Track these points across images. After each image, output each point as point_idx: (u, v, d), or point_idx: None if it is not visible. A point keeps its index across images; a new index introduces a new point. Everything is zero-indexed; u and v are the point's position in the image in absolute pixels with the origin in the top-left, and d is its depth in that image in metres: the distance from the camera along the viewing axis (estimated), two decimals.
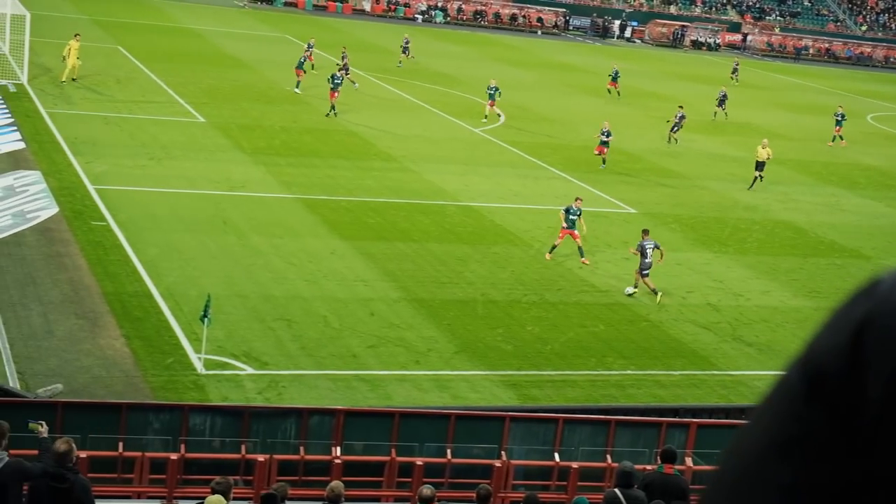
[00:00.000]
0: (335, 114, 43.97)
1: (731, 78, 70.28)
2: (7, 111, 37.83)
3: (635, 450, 18.06)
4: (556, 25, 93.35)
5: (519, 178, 38.64)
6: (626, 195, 38.03)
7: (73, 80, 43.35)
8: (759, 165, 41.03)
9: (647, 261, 27.60)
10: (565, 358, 23.76)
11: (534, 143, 44.62)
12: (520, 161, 40.64)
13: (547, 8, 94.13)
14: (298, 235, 29.32)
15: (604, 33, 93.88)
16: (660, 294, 27.71)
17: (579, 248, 30.00)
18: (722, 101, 54.93)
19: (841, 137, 51.88)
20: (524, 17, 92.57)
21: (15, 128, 35.81)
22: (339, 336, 23.19)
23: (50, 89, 42.15)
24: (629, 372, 23.54)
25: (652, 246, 27.69)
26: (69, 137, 35.54)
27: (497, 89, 47.18)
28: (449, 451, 17.00)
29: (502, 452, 17.32)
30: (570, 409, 20.00)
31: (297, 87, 48.17)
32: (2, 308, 22.22)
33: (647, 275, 27.82)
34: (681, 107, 48.73)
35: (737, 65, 72.84)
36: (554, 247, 30.02)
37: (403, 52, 60.87)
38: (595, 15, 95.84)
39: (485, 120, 46.91)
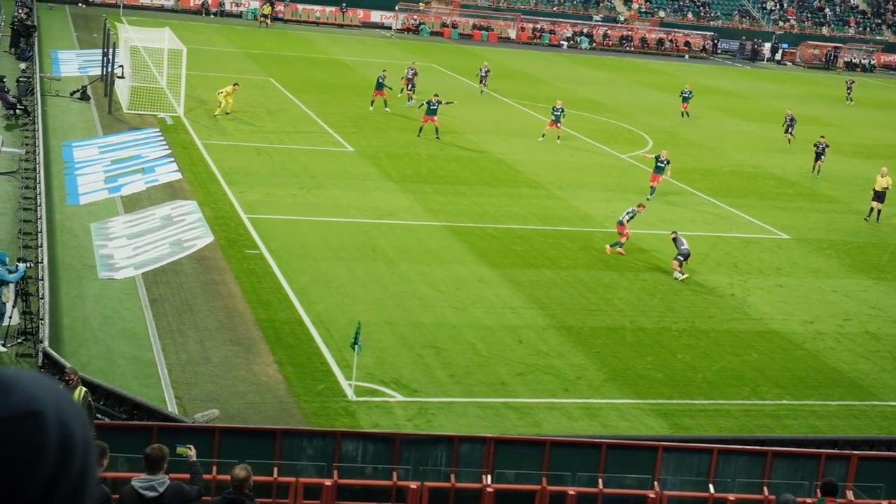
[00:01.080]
0: (437, 137, 44.18)
1: (847, 99, 68.34)
2: (165, 143, 39.00)
3: (794, 482, 17.52)
4: (704, 49, 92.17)
5: (667, 204, 38.15)
6: (779, 220, 37.20)
7: (227, 113, 44.50)
8: (879, 196, 38.27)
9: (683, 248, 29.57)
10: (718, 387, 23.27)
11: (682, 169, 43.95)
12: (668, 187, 40.14)
13: (695, 32, 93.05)
14: (446, 263, 29.43)
15: (753, 56, 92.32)
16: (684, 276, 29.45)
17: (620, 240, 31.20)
18: (789, 126, 51.26)
19: None
20: (671, 41, 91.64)
21: (172, 159, 36.88)
22: (487, 363, 23.16)
23: (205, 121, 43.33)
24: (785, 402, 22.90)
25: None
26: (223, 168, 36.43)
27: (562, 110, 46.80)
28: (601, 481, 16.76)
29: (655, 483, 17.00)
30: (723, 440, 19.52)
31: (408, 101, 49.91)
32: (161, 335, 22.82)
33: (681, 261, 29.52)
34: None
35: (851, 83, 70.59)
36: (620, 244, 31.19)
37: (481, 82, 57.98)
38: (744, 38, 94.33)
39: (541, 139, 46.37)
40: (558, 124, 46.58)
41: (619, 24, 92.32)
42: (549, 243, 32.12)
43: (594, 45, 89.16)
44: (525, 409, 21.25)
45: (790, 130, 50.57)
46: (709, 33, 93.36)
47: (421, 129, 44.19)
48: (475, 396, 21.57)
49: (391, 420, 20.24)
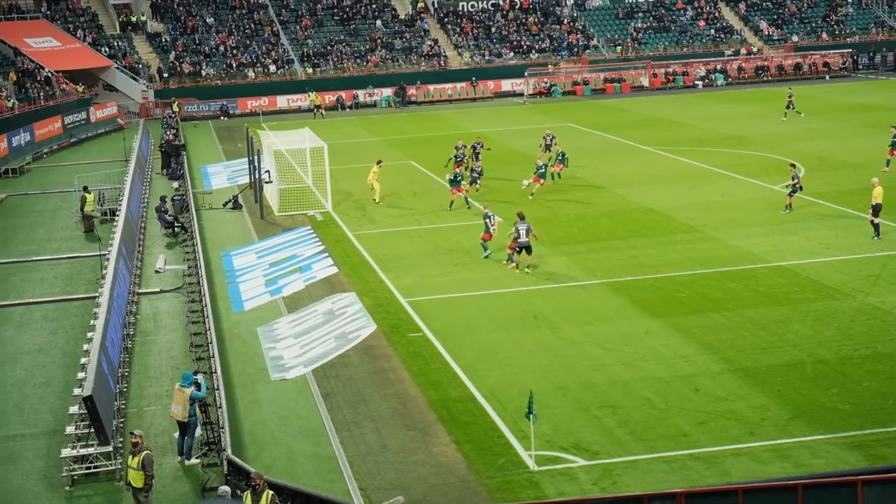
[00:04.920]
0: (468, 206, 43.49)
1: None
2: (318, 239, 39.73)
3: None
4: (844, 67, 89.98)
5: (829, 229, 37.09)
6: None
7: (379, 202, 45.20)
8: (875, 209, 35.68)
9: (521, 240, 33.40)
10: None
11: (839, 191, 42.86)
12: (827, 211, 39.05)
13: (832, 51, 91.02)
14: (610, 320, 29.08)
15: None
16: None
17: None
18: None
19: None
20: (809, 64, 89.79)
21: (327, 254, 37.51)
22: (665, 416, 22.69)
23: (353, 212, 44.03)
24: None
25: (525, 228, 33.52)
26: (377, 255, 36.88)
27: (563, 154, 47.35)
28: None
29: None
30: None
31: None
32: (338, 428, 23.03)
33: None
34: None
35: None
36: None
37: (549, 150, 55.66)
38: (885, 50, 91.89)
39: (528, 190, 45.31)
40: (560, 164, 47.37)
41: (752, 56, 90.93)
42: (711, 286, 31.49)
43: (730, 79, 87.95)
44: (711, 459, 20.70)
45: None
46: (847, 50, 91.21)
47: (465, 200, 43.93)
48: (658, 451, 21.12)
49: (576, 486, 19.94)
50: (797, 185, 40.30)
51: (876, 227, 35.56)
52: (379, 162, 46.23)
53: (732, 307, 29.46)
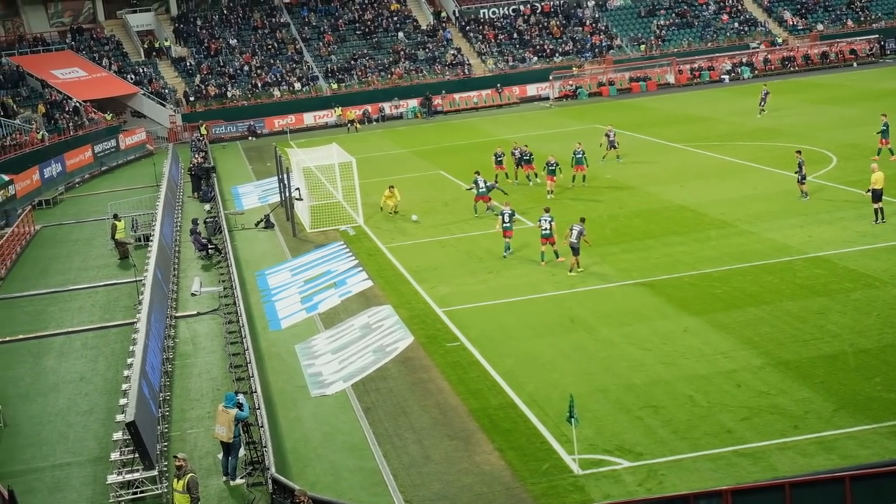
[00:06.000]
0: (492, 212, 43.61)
1: None
2: (351, 254, 39.80)
3: None
4: (871, 53, 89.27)
5: (864, 217, 36.76)
6: None
7: (396, 212, 45.32)
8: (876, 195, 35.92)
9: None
10: None
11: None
12: (862, 199, 38.71)
13: (858, 38, 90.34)
14: (647, 319, 28.95)
15: None
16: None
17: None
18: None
19: None
20: (836, 52, 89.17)
21: (361, 268, 37.56)
22: (708, 414, 22.55)
23: (385, 225, 44.09)
24: None
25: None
26: (411, 267, 36.91)
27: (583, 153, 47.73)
28: None
29: None
30: None
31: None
32: (380, 441, 23.03)
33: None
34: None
35: None
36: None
37: (611, 147, 53.40)
38: None
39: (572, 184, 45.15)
40: (580, 167, 47.32)
41: (778, 47, 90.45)
42: (748, 280, 31.30)
43: (756, 72, 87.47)
44: (757, 454, 20.55)
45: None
46: (873, 36, 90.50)
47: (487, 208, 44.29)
48: (703, 449, 20.99)
49: (621, 488, 19.84)
50: (803, 172, 40.59)
51: (876, 211, 36.02)
52: (391, 187, 46.22)
53: (770, 301, 29.27)
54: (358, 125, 79.43)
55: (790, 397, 22.93)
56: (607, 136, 53.13)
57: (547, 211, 35.51)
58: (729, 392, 23.52)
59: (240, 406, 22.17)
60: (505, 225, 36.99)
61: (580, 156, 47.63)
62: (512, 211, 37.41)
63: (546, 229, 34.96)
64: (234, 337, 31.21)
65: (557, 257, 35.17)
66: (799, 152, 42.07)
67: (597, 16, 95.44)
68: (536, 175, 49.20)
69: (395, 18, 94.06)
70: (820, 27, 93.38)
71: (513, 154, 50.93)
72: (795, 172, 41.09)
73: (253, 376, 26.36)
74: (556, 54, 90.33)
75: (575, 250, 33.89)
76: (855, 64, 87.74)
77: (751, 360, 25.17)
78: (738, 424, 21.89)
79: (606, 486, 20.01)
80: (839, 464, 19.53)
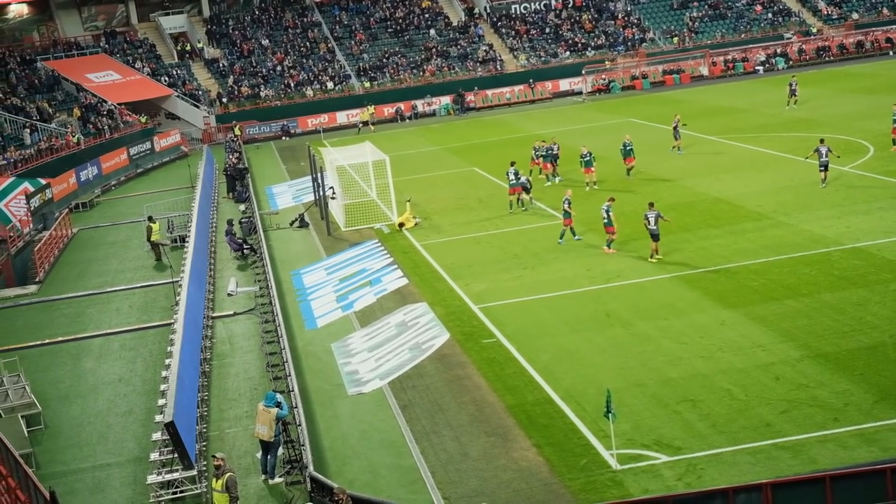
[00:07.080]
0: (523, 208, 44.12)
1: None
2: (386, 252, 39.85)
3: None
4: None
5: None
6: None
7: (405, 225, 44.63)
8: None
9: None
10: None
11: None
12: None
13: (894, 26, 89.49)
14: (684, 313, 28.81)
15: None
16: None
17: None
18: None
19: None
20: (872, 41, 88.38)
21: (396, 266, 37.60)
22: (747, 407, 22.42)
23: (420, 223, 44.05)
24: None
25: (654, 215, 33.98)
26: (445, 264, 36.90)
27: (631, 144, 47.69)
28: None
29: None
30: None
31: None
32: (417, 439, 23.05)
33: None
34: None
35: None
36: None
37: (676, 138, 53.52)
38: None
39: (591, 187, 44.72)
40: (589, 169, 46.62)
41: (812, 37, 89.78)
42: (785, 272, 31.09)
43: (791, 62, 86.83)
44: (797, 447, 20.41)
45: None
46: None
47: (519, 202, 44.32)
48: (742, 443, 20.87)
49: (660, 483, 19.76)
50: (826, 161, 40.63)
51: None
52: (408, 200, 45.76)
53: (808, 293, 29.07)
54: (373, 126, 79.21)
55: (829, 389, 22.75)
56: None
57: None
58: (767, 385, 23.37)
59: (279, 405, 22.25)
60: (566, 211, 37.56)
61: (629, 147, 47.47)
62: (568, 199, 37.63)
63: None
64: (270, 336, 31.33)
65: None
66: (822, 141, 41.72)
67: (629, 9, 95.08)
68: (556, 175, 48.63)
69: (427, 16, 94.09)
70: (855, 16, 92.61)
71: (535, 150, 50.13)
72: (809, 158, 41.81)
73: (290, 375, 26.44)
74: (589, 48, 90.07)
75: (654, 236, 33.91)
76: (891, 52, 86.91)
77: (789, 353, 25.00)
78: (777, 417, 21.74)
79: (645, 480, 19.93)
80: (880, 456, 19.36)
